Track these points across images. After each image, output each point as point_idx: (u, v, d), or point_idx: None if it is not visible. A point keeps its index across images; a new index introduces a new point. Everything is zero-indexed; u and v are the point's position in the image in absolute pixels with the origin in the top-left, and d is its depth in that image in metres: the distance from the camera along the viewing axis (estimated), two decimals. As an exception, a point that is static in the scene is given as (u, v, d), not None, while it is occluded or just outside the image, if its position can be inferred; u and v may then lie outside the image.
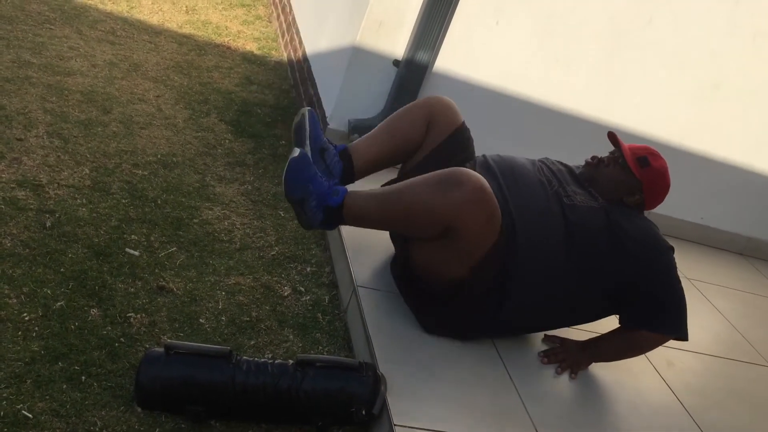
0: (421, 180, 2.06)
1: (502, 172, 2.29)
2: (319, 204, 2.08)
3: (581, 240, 2.19)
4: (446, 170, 2.05)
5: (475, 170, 2.26)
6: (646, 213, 2.39)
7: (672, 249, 2.26)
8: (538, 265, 2.18)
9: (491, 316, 2.23)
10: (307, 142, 2.18)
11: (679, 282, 2.25)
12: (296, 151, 2.06)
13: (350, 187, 2.18)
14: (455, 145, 2.36)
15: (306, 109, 2.23)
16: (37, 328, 1.94)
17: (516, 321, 2.29)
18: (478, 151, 2.48)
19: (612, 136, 2.38)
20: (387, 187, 2.17)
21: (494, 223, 2.06)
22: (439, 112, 2.37)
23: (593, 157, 2.39)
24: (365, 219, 2.15)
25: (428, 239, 2.13)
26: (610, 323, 2.39)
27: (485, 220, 2.03)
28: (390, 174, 2.53)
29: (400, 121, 2.39)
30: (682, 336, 2.26)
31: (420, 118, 2.37)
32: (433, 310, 2.25)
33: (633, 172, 2.29)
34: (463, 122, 2.41)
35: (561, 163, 2.44)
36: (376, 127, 2.43)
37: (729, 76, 3.45)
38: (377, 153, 2.37)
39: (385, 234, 2.50)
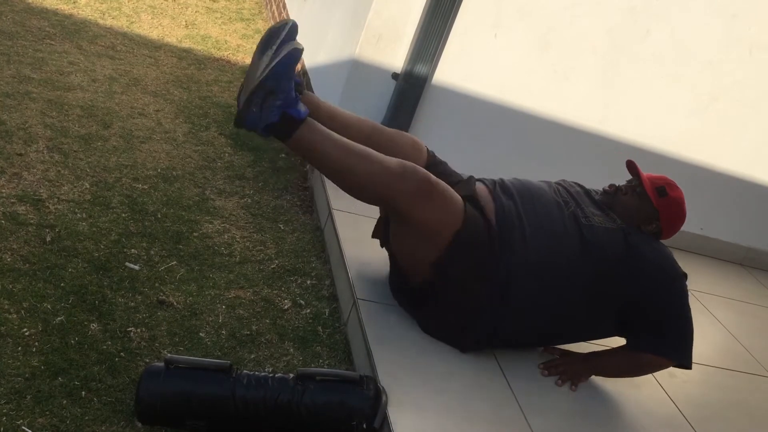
0: (379, 160, 2.08)
1: (520, 193, 2.31)
2: (282, 106, 1.97)
3: (597, 261, 2.21)
4: (398, 161, 2.09)
5: (493, 191, 2.29)
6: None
7: (686, 276, 2.29)
8: (545, 285, 2.20)
9: (489, 328, 2.23)
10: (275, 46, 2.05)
11: (689, 310, 2.27)
12: (300, 44, 1.96)
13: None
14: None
15: (291, 20, 2.11)
16: (37, 343, 1.94)
17: (515, 334, 2.29)
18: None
19: (631, 165, 2.40)
20: (348, 143, 2.10)
21: (448, 215, 2.12)
22: (407, 156, 2.29)
23: (611, 186, 2.41)
24: (311, 151, 2.07)
25: (402, 231, 2.20)
26: (614, 340, 2.39)
27: (434, 211, 2.11)
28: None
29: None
30: (686, 364, 2.28)
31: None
32: (430, 315, 2.27)
33: (651, 200, 2.31)
34: (429, 156, 2.41)
35: (578, 185, 2.46)
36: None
37: (727, 88, 3.46)
38: (337, 118, 2.29)
39: (383, 250, 2.51)
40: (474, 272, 2.18)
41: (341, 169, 2.10)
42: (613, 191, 2.38)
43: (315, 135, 2.05)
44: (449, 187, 2.16)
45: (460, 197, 2.17)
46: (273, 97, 1.95)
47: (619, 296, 2.24)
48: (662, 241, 2.37)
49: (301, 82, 2.22)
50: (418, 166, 2.12)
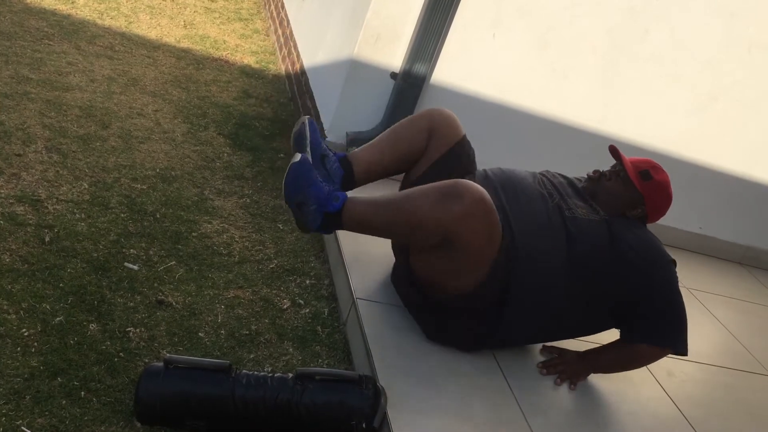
0: (421, 190, 2.07)
1: (503, 185, 2.29)
2: (318, 208, 2.06)
3: (583, 252, 2.19)
4: (447, 182, 2.04)
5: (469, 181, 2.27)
6: (648, 226, 2.39)
7: (674, 262, 2.26)
8: (538, 279, 2.18)
9: (491, 328, 2.23)
10: (308, 149, 2.18)
11: (680, 296, 2.25)
12: (297, 156, 2.05)
13: (350, 194, 2.18)
14: (456, 158, 2.36)
15: (305, 118, 2.23)
16: (36, 344, 1.94)
17: (516, 333, 2.29)
18: (479, 163, 2.49)
19: (613, 150, 2.38)
20: (387, 195, 2.16)
21: (495, 235, 2.06)
22: (440, 124, 2.36)
23: (595, 171, 2.39)
24: (363, 225, 2.13)
25: (428, 249, 2.13)
26: (610, 334, 2.39)
27: (485, 232, 2.03)
28: (390, 185, 2.53)
29: (401, 131, 2.39)
30: (682, 350, 2.26)
31: (421, 130, 2.37)
32: (433, 318, 2.26)
33: (635, 185, 2.29)
34: (464, 136, 2.41)
35: (562, 176, 2.45)
36: (377, 137, 2.43)
37: (726, 87, 3.46)
38: (377, 161, 2.36)
39: (384, 246, 2.51)
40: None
41: (397, 224, 2.10)
42: (597, 177, 2.36)
43: (361, 214, 2.10)
44: (493, 204, 2.07)
45: (497, 214, 2.08)
46: (305, 206, 2.06)
47: (608, 288, 2.22)
48: (658, 231, 2.34)
49: (324, 151, 2.28)
50: (471, 183, 2.04)
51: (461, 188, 2.00)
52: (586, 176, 2.41)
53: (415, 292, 2.30)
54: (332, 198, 2.08)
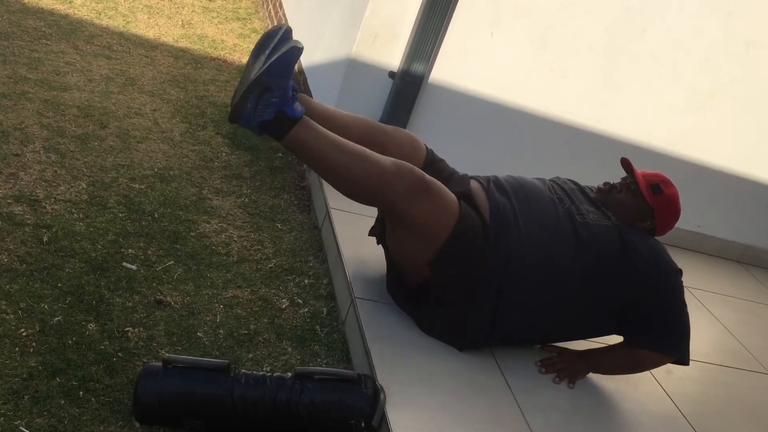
0: (376, 159, 2.07)
1: (515, 190, 2.31)
2: (278, 104, 1.95)
3: (593, 257, 2.21)
4: (392, 160, 2.08)
5: (488, 188, 2.29)
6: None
7: (681, 272, 2.29)
8: (542, 280, 2.20)
9: (483, 326, 2.23)
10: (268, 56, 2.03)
11: (685, 305, 2.28)
12: (299, 43, 1.95)
13: None
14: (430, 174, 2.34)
15: (285, 25, 2.10)
16: (34, 344, 1.93)
17: (514, 331, 2.29)
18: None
19: (625, 163, 2.40)
20: (343, 142, 2.08)
21: (444, 213, 2.11)
22: (402, 158, 2.25)
23: (605, 183, 2.41)
24: (306, 150, 2.05)
25: (391, 226, 2.21)
26: (610, 337, 2.39)
27: (429, 212, 2.10)
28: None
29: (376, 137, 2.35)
30: (684, 360, 2.28)
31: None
32: (424, 310, 2.29)
33: (645, 198, 2.31)
34: (427, 153, 2.42)
35: (573, 182, 2.46)
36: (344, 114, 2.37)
37: (723, 85, 3.46)
38: (334, 119, 2.28)
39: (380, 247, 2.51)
40: (471, 270, 2.18)
41: (336, 169, 2.08)
42: (608, 189, 2.39)
43: (310, 134, 2.04)
44: (444, 186, 2.16)
45: (454, 195, 2.17)
46: (269, 94, 1.94)
47: (615, 293, 2.24)
48: (658, 237, 2.37)
49: (297, 87, 2.22)
50: (413, 166, 2.12)
51: (404, 170, 2.07)
52: (596, 188, 2.42)
53: (403, 288, 2.32)
54: (294, 102, 1.99)
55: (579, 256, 2.21)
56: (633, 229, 2.30)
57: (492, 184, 2.34)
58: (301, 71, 3.92)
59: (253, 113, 1.96)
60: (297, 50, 1.95)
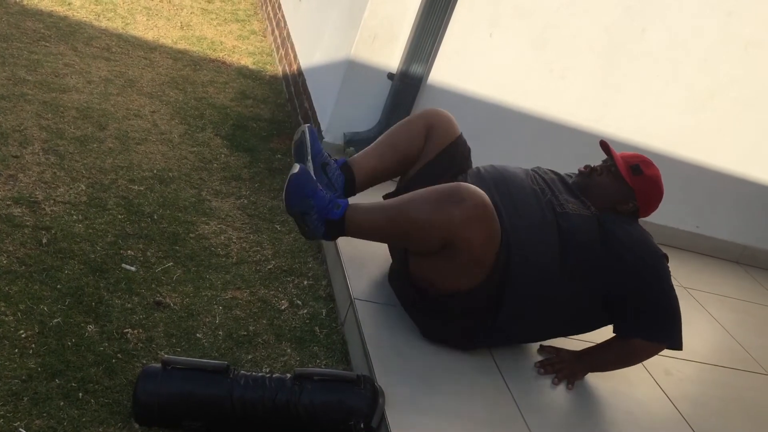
0: (421, 194, 2.07)
1: (496, 182, 2.30)
2: (320, 217, 2.09)
3: (575, 248, 2.20)
4: (447, 185, 2.06)
5: (467, 182, 2.27)
6: (641, 221, 2.40)
7: (666, 257, 2.27)
8: (532, 276, 2.18)
9: (487, 326, 2.23)
10: (309, 157, 2.20)
11: (673, 290, 2.25)
12: (296, 167, 2.07)
13: (352, 200, 2.19)
14: (450, 158, 2.38)
15: (305, 126, 2.25)
16: (33, 345, 1.94)
17: (511, 330, 2.29)
18: (476, 163, 2.49)
19: (604, 145, 2.39)
20: (388, 201, 2.19)
21: (494, 238, 2.07)
22: (436, 124, 2.39)
23: (586, 167, 2.40)
24: (366, 232, 2.16)
25: (428, 253, 2.14)
26: (607, 333, 2.39)
27: (485, 236, 2.04)
28: (388, 186, 2.53)
29: (399, 133, 2.41)
30: (676, 345, 2.25)
31: (418, 131, 2.39)
32: (431, 317, 2.26)
33: (625, 180, 2.30)
34: (460, 135, 2.42)
35: (553, 172, 2.46)
36: (375, 141, 2.45)
37: (723, 85, 3.47)
38: (377, 165, 2.39)
39: (382, 246, 2.51)
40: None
41: (400, 228, 2.11)
42: (588, 172, 2.37)
43: (361, 216, 2.12)
44: (493, 206, 2.09)
45: (497, 216, 2.10)
46: (308, 216, 2.08)
47: (601, 283, 2.22)
48: (648, 223, 2.35)
49: (332, 162, 2.32)
50: (472, 186, 2.05)
51: (463, 192, 2.01)
52: (576, 172, 2.41)
53: (412, 291, 2.30)
54: (333, 206, 2.11)
55: (561, 248, 2.19)
56: (614, 217, 2.28)
57: (472, 178, 2.32)
58: (300, 72, 3.92)
59: (314, 232, 2.12)
60: (294, 176, 2.05)
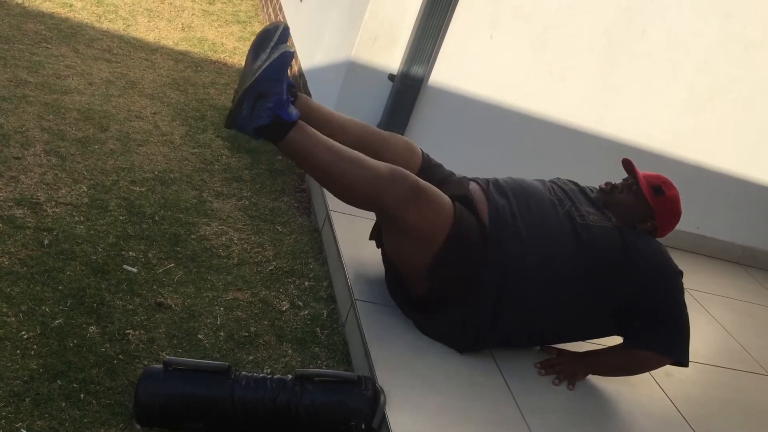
0: (362, 165, 2.09)
1: (515, 193, 2.31)
2: (273, 109, 1.98)
3: (593, 259, 2.21)
4: (386, 167, 2.10)
5: (487, 190, 2.29)
6: None
7: (681, 273, 2.29)
8: (543, 282, 2.20)
9: (483, 328, 2.23)
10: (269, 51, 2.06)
11: (686, 307, 2.28)
12: (291, 48, 1.97)
13: None
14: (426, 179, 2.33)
15: (283, 23, 2.13)
16: (35, 346, 1.94)
17: (514, 333, 2.29)
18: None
19: (627, 163, 2.41)
20: (339, 147, 2.11)
21: (438, 215, 2.12)
22: (398, 163, 2.28)
23: (607, 183, 2.41)
24: (299, 155, 2.08)
25: (387, 229, 2.23)
26: (610, 339, 2.39)
27: (423, 214, 2.11)
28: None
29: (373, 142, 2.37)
30: (683, 361, 2.28)
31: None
32: (423, 314, 2.29)
33: (647, 199, 2.31)
34: (423, 158, 2.42)
35: (573, 183, 2.47)
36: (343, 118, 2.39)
37: (723, 86, 3.47)
38: (331, 120, 2.31)
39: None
40: (469, 273, 2.18)
41: (331, 174, 2.10)
42: (609, 189, 2.39)
43: (306, 138, 2.06)
44: (438, 190, 2.17)
45: (449, 199, 2.18)
46: (264, 99, 1.97)
47: (616, 295, 2.24)
48: (658, 238, 2.37)
49: (295, 85, 2.23)
50: (408, 171, 2.13)
51: (397, 177, 2.08)
52: (597, 188, 2.43)
53: (403, 291, 2.33)
54: (289, 107, 2.01)
55: (579, 258, 2.21)
56: (634, 231, 2.31)
57: (491, 186, 2.34)
58: (301, 74, 3.93)
59: (249, 119, 1.98)
60: (289, 55, 1.97)
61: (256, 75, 1.95)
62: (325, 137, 2.10)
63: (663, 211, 2.34)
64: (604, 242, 2.23)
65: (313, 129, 2.09)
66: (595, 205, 2.35)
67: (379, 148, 2.31)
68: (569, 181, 2.48)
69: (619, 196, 2.36)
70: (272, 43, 2.02)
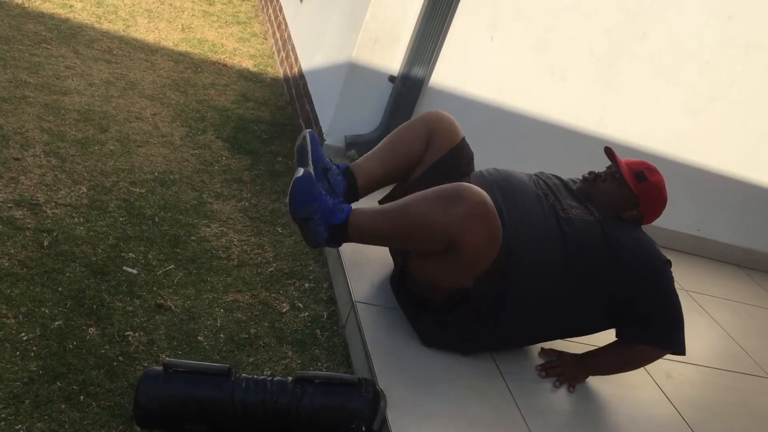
0: (422, 195, 2.07)
1: (499, 185, 2.30)
2: (323, 222, 2.09)
3: (577, 253, 2.20)
4: (448, 185, 2.05)
5: (469, 183, 2.27)
6: (644, 227, 2.40)
7: (669, 262, 2.27)
8: (534, 279, 2.18)
9: (488, 329, 2.23)
10: (310, 162, 2.19)
11: (676, 296, 2.25)
12: (300, 171, 2.07)
13: (354, 205, 2.19)
14: (453, 161, 2.37)
15: (307, 131, 2.24)
16: (35, 348, 1.93)
17: (513, 334, 2.29)
18: (477, 166, 2.49)
19: (609, 151, 2.39)
20: (390, 204, 2.18)
21: (496, 237, 2.06)
22: (438, 128, 2.38)
23: (590, 173, 2.40)
24: (369, 236, 2.16)
25: (431, 254, 2.14)
26: (608, 336, 2.39)
27: (487, 234, 2.03)
28: (385, 191, 2.53)
29: (400, 137, 2.40)
30: (679, 350, 2.26)
31: (420, 135, 2.38)
32: (431, 321, 2.26)
33: (630, 186, 2.30)
34: (463, 139, 2.41)
35: (556, 177, 2.46)
36: (377, 145, 2.44)
37: (724, 88, 3.47)
38: (379, 169, 2.38)
39: (383, 249, 2.51)
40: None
41: (404, 231, 2.11)
42: (593, 178, 2.37)
43: (364, 221, 2.12)
44: (494, 207, 2.08)
45: (498, 217, 2.09)
46: (311, 221, 2.07)
47: (604, 288, 2.22)
48: (649, 227, 2.35)
49: (329, 165, 2.31)
50: (472, 186, 2.05)
51: (463, 191, 2.01)
52: (581, 177, 2.41)
53: (410, 296, 2.31)
54: (336, 210, 2.11)
55: (564, 252, 2.19)
56: (617, 223, 2.29)
57: (474, 180, 2.32)
58: (302, 75, 3.92)
59: (317, 239, 2.11)
60: (299, 180, 2.04)
61: (290, 210, 2.08)
62: (377, 207, 2.18)
63: (647, 198, 2.32)
64: (587, 236, 2.22)
65: (364, 209, 2.15)
66: (578, 198, 2.33)
67: (428, 132, 2.37)
68: (552, 175, 2.47)
69: (602, 184, 2.35)
70: (309, 155, 2.18)
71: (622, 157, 2.40)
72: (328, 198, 2.11)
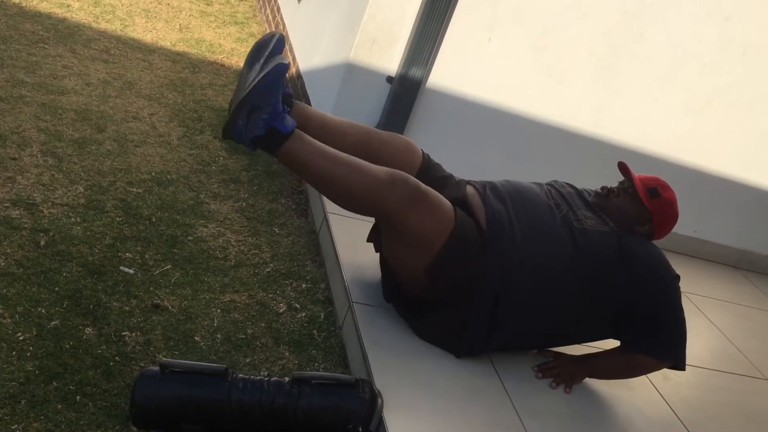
0: (360, 169, 2.08)
1: (511, 197, 2.31)
2: (268, 120, 1.98)
3: (589, 264, 2.21)
4: (384, 170, 2.09)
5: (484, 194, 2.28)
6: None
7: (678, 278, 2.29)
8: (540, 286, 2.20)
9: (479, 331, 2.23)
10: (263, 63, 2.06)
11: (683, 311, 2.28)
12: (286, 60, 1.97)
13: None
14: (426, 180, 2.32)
15: (279, 34, 2.13)
16: (31, 348, 1.93)
17: (512, 336, 2.29)
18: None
19: (622, 167, 2.40)
20: (336, 154, 2.10)
21: (439, 219, 2.11)
22: (398, 164, 2.29)
23: (603, 188, 2.41)
24: (297, 164, 2.08)
25: (386, 234, 2.22)
26: (610, 340, 2.39)
27: (423, 217, 2.10)
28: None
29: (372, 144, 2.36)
30: (680, 365, 2.28)
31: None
32: (419, 316, 2.28)
33: (643, 202, 2.31)
34: (424, 158, 2.40)
35: (570, 186, 2.46)
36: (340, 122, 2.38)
37: (721, 90, 3.47)
38: (330, 123, 2.30)
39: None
40: (467, 277, 2.17)
41: (329, 181, 2.09)
42: (605, 193, 2.38)
43: (302, 147, 2.05)
44: (438, 193, 2.16)
45: (449, 203, 2.17)
46: (258, 111, 1.97)
47: (613, 299, 2.24)
48: (655, 241, 2.37)
49: (291, 94, 2.23)
50: (408, 175, 2.11)
51: (396, 179, 2.07)
52: (593, 191, 2.42)
53: (402, 300, 2.32)
54: (284, 118, 2.02)
55: (576, 262, 2.21)
56: (631, 235, 2.30)
57: (488, 190, 2.33)
58: (299, 75, 3.92)
59: (244, 130, 1.99)
60: (283, 66, 1.97)
61: (250, 87, 1.95)
62: (321, 145, 2.09)
63: (660, 214, 2.33)
64: (601, 247, 2.23)
65: (309, 137, 2.08)
66: (593, 209, 2.34)
67: (378, 150, 2.30)
68: (566, 183, 2.48)
69: (616, 200, 2.36)
70: (266, 53, 2.02)
71: (620, 158, 2.41)
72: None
